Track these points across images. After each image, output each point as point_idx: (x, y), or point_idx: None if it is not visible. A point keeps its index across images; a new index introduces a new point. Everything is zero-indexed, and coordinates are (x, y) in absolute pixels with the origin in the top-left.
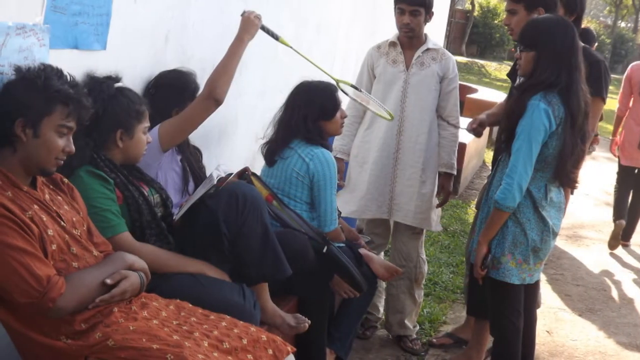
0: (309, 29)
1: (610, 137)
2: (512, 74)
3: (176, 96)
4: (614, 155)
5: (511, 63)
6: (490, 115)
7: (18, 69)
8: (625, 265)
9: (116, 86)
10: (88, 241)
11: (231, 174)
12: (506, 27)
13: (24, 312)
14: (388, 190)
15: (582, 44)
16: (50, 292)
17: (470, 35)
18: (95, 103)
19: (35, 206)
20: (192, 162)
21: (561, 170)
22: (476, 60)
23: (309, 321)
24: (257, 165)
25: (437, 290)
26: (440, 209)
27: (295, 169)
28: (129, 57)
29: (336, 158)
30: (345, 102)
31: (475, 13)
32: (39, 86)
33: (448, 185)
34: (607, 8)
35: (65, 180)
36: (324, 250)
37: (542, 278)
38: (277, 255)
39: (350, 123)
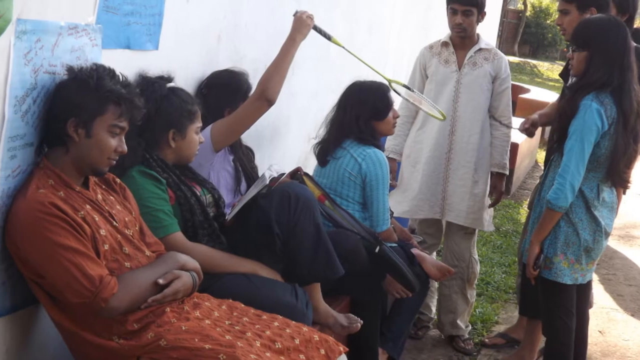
0: (361, 29)
1: None
2: (564, 74)
3: (228, 96)
4: None
5: (563, 63)
6: (543, 115)
7: (70, 69)
8: None
9: (168, 86)
10: (140, 241)
11: (283, 173)
12: (558, 27)
13: (76, 312)
14: (440, 190)
15: (634, 44)
16: (102, 292)
17: (523, 35)
18: (148, 103)
19: (88, 206)
20: (244, 162)
21: (613, 170)
22: (528, 60)
23: (361, 321)
24: (310, 165)
25: (490, 290)
26: (492, 209)
27: (348, 169)
28: (181, 57)
29: (388, 158)
30: (397, 102)
31: (528, 13)
32: (91, 86)
33: (500, 185)
34: None
35: (118, 180)
36: (376, 250)
37: (595, 278)
38: (330, 255)
39: (403, 123)
